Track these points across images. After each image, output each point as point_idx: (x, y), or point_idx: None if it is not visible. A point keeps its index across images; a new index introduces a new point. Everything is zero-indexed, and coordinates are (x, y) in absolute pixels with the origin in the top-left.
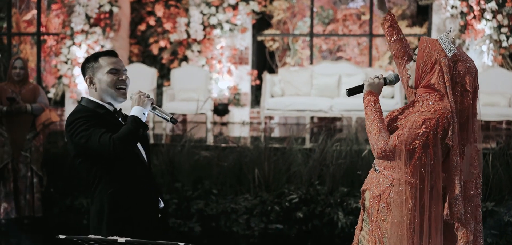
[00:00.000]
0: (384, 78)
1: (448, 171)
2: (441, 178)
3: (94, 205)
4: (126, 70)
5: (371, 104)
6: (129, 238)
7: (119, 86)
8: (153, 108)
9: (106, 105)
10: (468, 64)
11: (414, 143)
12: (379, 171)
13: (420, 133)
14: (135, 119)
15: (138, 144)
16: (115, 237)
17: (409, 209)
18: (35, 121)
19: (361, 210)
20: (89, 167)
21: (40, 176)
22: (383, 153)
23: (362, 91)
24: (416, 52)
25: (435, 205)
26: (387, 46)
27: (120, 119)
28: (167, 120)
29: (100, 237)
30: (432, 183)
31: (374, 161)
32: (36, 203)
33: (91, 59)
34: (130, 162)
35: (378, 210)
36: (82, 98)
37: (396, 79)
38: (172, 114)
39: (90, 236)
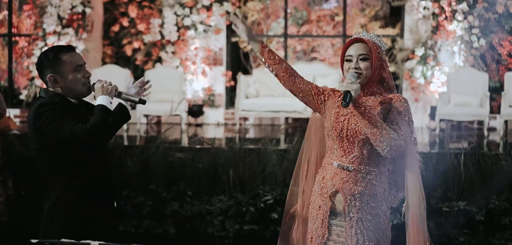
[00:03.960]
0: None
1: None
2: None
3: (50, 203)
4: (85, 63)
5: (367, 107)
6: (102, 242)
7: (85, 83)
8: (119, 94)
9: (71, 100)
10: None
11: (410, 132)
12: (354, 169)
13: (407, 121)
14: (103, 108)
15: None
16: (88, 241)
17: (386, 194)
18: None
19: (324, 220)
20: (52, 162)
21: (1, 180)
22: (400, 151)
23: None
24: (362, 53)
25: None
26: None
27: (83, 110)
28: (135, 103)
29: (73, 240)
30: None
31: (337, 162)
32: (0, 207)
33: (51, 57)
34: (91, 160)
35: (360, 206)
36: (41, 89)
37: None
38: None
39: (63, 240)
